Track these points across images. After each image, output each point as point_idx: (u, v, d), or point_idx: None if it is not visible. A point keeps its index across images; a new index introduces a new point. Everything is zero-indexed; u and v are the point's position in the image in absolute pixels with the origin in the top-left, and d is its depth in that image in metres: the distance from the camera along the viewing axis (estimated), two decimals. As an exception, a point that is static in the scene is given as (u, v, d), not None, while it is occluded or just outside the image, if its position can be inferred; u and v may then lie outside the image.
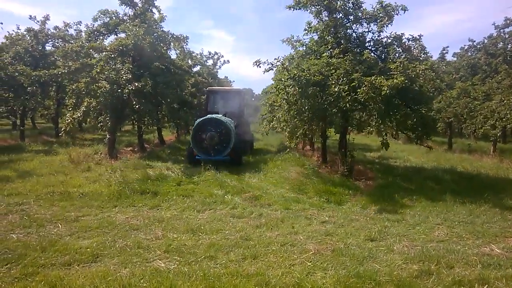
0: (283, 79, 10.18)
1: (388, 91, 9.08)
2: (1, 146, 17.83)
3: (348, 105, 9.57)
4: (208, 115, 13.95)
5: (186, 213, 7.71)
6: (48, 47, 22.38)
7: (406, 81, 9.29)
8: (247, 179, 11.23)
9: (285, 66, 10.43)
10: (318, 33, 12.47)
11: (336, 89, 9.57)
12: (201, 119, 13.54)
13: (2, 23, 24.58)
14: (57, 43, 22.34)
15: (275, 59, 10.81)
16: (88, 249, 5.54)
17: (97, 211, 7.78)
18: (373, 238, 6.40)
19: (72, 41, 19.38)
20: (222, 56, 35.24)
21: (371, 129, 9.94)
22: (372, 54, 11.88)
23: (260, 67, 10.92)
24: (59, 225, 6.77)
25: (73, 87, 16.29)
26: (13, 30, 22.47)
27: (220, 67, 35.60)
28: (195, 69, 28.94)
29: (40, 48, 21.41)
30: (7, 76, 17.74)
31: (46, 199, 8.45)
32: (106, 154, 14.77)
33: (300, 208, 8.16)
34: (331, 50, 11.93)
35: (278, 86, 10.38)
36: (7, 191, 8.93)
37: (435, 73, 12.28)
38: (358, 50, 12.05)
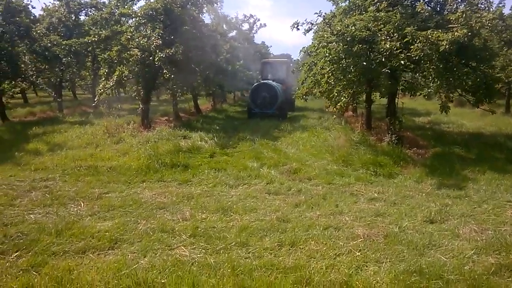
0: (325, 35, 9.04)
1: (447, 47, 7.82)
2: (39, 118, 17.91)
3: (401, 64, 8.36)
4: (262, 81, 19.24)
5: (217, 189, 7.02)
6: (82, 17, 22.09)
7: (470, 34, 7.96)
8: (285, 149, 10.40)
9: (327, 21, 9.29)
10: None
11: (387, 46, 8.36)
12: (256, 83, 18.74)
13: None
14: (90, 12, 21.94)
15: (315, 13, 9.71)
16: (107, 233, 4.96)
17: (123, 186, 7.24)
18: (433, 219, 5.45)
19: (104, 9, 18.82)
20: (259, 20, 33.69)
21: (429, 91, 8.67)
22: (426, 6, 10.43)
23: (298, 29, 9.95)
24: (81, 204, 6.27)
25: (105, 56, 15.88)
26: (50, 2, 22.22)
27: (256, 31, 34.26)
28: (230, 35, 27.92)
29: (73, 18, 21.07)
30: (41, 48, 17.49)
31: (73, 174, 8.01)
32: (140, 124, 14.34)
33: (344, 183, 7.26)
34: (377, 3, 10.57)
35: (319, 43, 9.23)
36: (34, 166, 8.57)
37: (505, 23, 10.51)
38: (409, 3, 10.64)
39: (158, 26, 14.83)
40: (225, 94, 20.46)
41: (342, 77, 9.11)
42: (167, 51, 12.79)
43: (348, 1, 11.58)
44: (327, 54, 8.61)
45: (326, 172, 7.93)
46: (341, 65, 8.80)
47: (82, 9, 21.52)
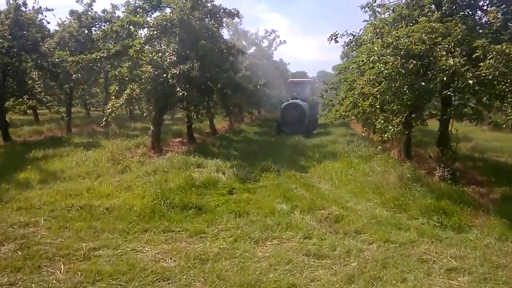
0: (376, 48, 7.41)
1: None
2: (45, 138, 16.64)
3: (468, 84, 6.68)
4: (291, 100, 20.35)
5: (239, 246, 5.37)
6: (95, 31, 20.98)
7: None
8: (317, 184, 8.75)
9: (378, 30, 7.71)
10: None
11: (451, 62, 6.71)
12: (286, 103, 20.04)
13: (53, 9, 23.66)
14: (104, 26, 20.84)
15: (364, 20, 8.18)
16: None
17: (120, 239, 5.67)
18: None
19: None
20: (278, 37, 32.47)
21: (508, 119, 6.90)
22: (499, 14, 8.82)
23: (337, 41, 8.55)
24: (61, 267, 4.72)
25: (116, 72, 14.61)
26: (66, 17, 21.19)
27: (276, 48, 33.06)
28: (249, 51, 26.61)
29: (86, 32, 19.98)
30: (49, 63, 16.30)
31: (61, 218, 6.47)
32: (150, 148, 12.89)
33: (405, 240, 5.53)
34: (429, 14, 8.99)
35: (368, 58, 7.55)
36: (18, 204, 7.09)
37: None
38: (469, 12, 9.03)
39: (173, 41, 13.51)
40: (242, 114, 19.01)
41: (394, 100, 7.46)
42: (182, 67, 11.38)
43: (390, 11, 10.01)
44: (382, 69, 6.94)
45: (376, 221, 6.21)
46: (394, 85, 7.15)
47: (95, 23, 20.44)
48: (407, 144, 11.84)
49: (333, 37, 8.69)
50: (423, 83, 6.93)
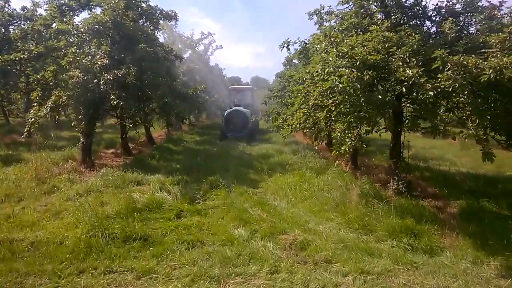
0: (330, 58, 6.93)
1: (492, 76, 6.02)
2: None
3: (430, 97, 6.41)
4: (233, 107, 20.74)
5: (198, 288, 4.59)
6: (14, 30, 18.82)
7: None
8: (272, 202, 8.12)
9: (333, 39, 7.26)
10: (357, 2, 9.33)
11: (410, 73, 6.42)
12: (229, 110, 20.46)
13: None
14: (24, 25, 18.77)
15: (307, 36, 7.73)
16: None
17: (50, 285, 4.64)
18: None
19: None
20: (215, 41, 31.71)
21: (469, 132, 6.71)
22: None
23: (289, 49, 8.21)
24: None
25: (38, 76, 13.04)
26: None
27: (212, 53, 32.24)
28: (185, 55, 25.55)
29: (3, 31, 17.88)
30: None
31: (-30, 260, 5.27)
32: (81, 162, 11.56)
33: (381, 269, 5.03)
34: (378, 23, 8.78)
35: (323, 68, 7.01)
36: None
37: None
38: (417, 22, 8.94)
39: (104, 43, 12.26)
40: (183, 121, 18.01)
41: (350, 112, 7.05)
42: (116, 72, 10.27)
43: (338, 19, 9.70)
44: (337, 83, 6.45)
45: (344, 246, 5.70)
46: (350, 98, 6.73)
47: (13, 21, 18.36)
48: (354, 154, 11.69)
49: (285, 45, 8.22)
50: (380, 96, 6.59)
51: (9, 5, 18.16)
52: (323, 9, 10.09)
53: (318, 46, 7.88)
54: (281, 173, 10.46)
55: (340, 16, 9.56)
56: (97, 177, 9.71)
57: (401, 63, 6.98)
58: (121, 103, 10.21)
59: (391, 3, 8.98)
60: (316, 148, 13.36)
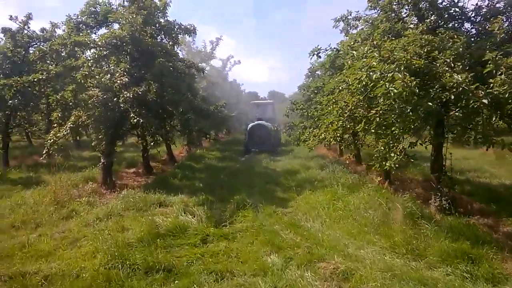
0: (374, 63, 6.29)
1: None
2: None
3: (483, 104, 5.70)
4: (256, 121, 21.09)
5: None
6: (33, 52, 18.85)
7: None
8: (303, 222, 7.49)
9: (375, 43, 6.66)
10: (387, 6, 8.73)
11: (459, 78, 5.75)
12: (251, 124, 20.88)
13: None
14: (43, 46, 18.78)
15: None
16: None
17: (64, 329, 4.11)
18: None
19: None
20: (233, 57, 31.70)
21: None
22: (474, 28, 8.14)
23: (319, 56, 7.71)
24: None
25: (58, 97, 12.82)
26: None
27: (230, 68, 32.12)
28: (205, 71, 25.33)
29: (23, 53, 17.89)
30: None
31: (-21, 298, 4.80)
32: (101, 183, 11.17)
33: (440, 304, 4.37)
34: (410, 26, 8.16)
35: (372, 75, 6.32)
36: None
37: None
38: (455, 24, 8.29)
39: (123, 60, 11.98)
40: (201, 138, 17.58)
41: (396, 123, 6.38)
42: (136, 90, 9.89)
43: (368, 24, 9.12)
44: (390, 88, 5.75)
45: (393, 275, 5.00)
46: (397, 106, 6.08)
47: (33, 43, 18.37)
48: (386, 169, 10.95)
49: (315, 52, 7.68)
50: (430, 103, 5.91)
51: (28, 27, 18.18)
52: (350, 14, 9.54)
53: (355, 52, 7.26)
54: (310, 191, 9.81)
55: (370, 21, 8.97)
56: (118, 199, 9.26)
57: (446, 68, 6.32)
58: (141, 121, 9.77)
59: (425, 5, 8.36)
60: (347, 162, 12.67)
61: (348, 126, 7.35)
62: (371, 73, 6.07)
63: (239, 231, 7.05)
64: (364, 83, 6.38)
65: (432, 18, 8.32)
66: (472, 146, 9.76)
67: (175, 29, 13.58)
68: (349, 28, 10.17)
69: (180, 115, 12.05)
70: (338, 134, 7.89)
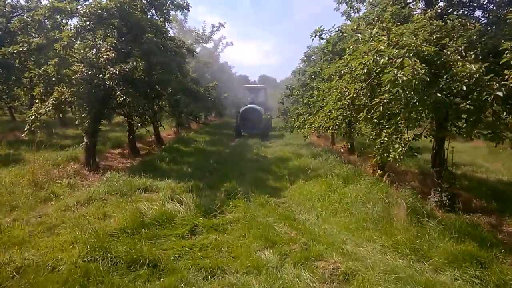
0: (382, 47, 5.78)
1: None
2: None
3: (498, 97, 5.30)
4: (248, 105, 21.43)
5: None
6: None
7: None
8: (298, 214, 7.10)
9: (384, 25, 6.15)
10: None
11: (473, 68, 5.34)
12: (244, 107, 21.11)
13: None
14: (26, 17, 17.86)
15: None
16: None
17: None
18: None
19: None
20: (225, 38, 30.76)
21: None
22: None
23: (322, 38, 7.35)
24: None
25: (40, 71, 12.07)
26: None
27: (222, 50, 31.27)
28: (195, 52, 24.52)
29: (5, 24, 17.00)
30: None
31: None
32: (84, 164, 10.61)
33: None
34: (419, 12, 7.70)
35: (375, 57, 5.78)
36: None
37: None
38: (465, 11, 7.84)
39: (110, 34, 11.31)
40: (197, 120, 16.95)
41: (401, 113, 5.93)
42: (122, 67, 9.30)
43: (373, 7, 8.62)
44: (399, 75, 5.24)
45: (397, 278, 4.63)
46: (408, 95, 5.61)
47: (16, 13, 17.47)
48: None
49: (318, 33, 7.20)
50: (438, 94, 5.48)
51: (9, -3, 17.28)
52: (354, -1, 9.04)
53: (360, 35, 6.76)
54: (303, 180, 9.41)
55: (376, 4, 8.46)
56: (101, 182, 8.75)
57: (458, 57, 5.88)
58: (128, 100, 9.20)
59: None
60: (342, 150, 12.28)
61: (349, 114, 6.88)
62: (378, 58, 5.56)
63: (230, 222, 6.61)
64: (368, 68, 5.89)
65: (440, 3, 7.90)
66: (463, 139, 9.45)
67: (167, 4, 12.91)
68: (351, 12, 9.69)
69: (169, 96, 11.48)
70: (338, 123, 7.43)
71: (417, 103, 5.80)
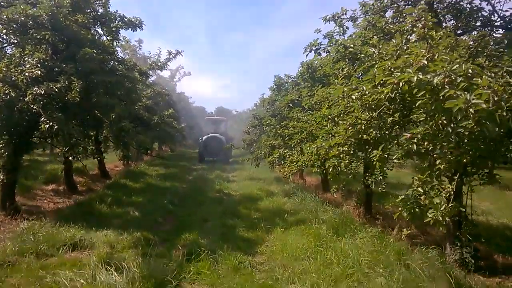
0: (425, 61, 4.11)
1: None
2: None
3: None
4: (210, 134, 23.80)
5: None
6: None
7: None
8: (286, 284, 5.20)
9: (425, 30, 4.54)
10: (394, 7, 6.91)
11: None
12: (206, 136, 23.64)
13: None
14: None
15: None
16: None
17: None
18: None
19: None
20: (182, 67, 29.42)
21: None
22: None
23: (319, 54, 7.55)
24: None
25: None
26: None
27: (179, 79, 30.03)
28: (151, 79, 22.55)
29: None
30: None
31: None
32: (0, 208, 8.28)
33: None
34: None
35: (421, 81, 4.06)
36: None
37: None
38: (483, 30, 6.55)
39: (41, 50, 9.22)
40: (147, 151, 14.79)
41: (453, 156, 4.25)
42: (51, 86, 7.25)
43: (369, 25, 7.18)
44: (475, 101, 3.53)
45: None
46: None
47: None
48: (368, 199, 9.10)
49: (313, 48, 5.70)
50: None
51: None
52: (345, 13, 7.57)
53: (374, 49, 5.13)
54: (282, 228, 7.56)
55: (373, 22, 6.99)
56: (15, 235, 6.52)
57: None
58: (56, 127, 7.12)
59: (442, 9, 6.57)
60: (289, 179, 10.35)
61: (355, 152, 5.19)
62: (420, 76, 3.83)
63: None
64: (402, 90, 4.13)
65: (449, 23, 6.57)
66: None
67: (116, 21, 10.97)
68: (334, 34, 8.17)
69: (114, 124, 9.41)
70: (346, 163, 5.61)
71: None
